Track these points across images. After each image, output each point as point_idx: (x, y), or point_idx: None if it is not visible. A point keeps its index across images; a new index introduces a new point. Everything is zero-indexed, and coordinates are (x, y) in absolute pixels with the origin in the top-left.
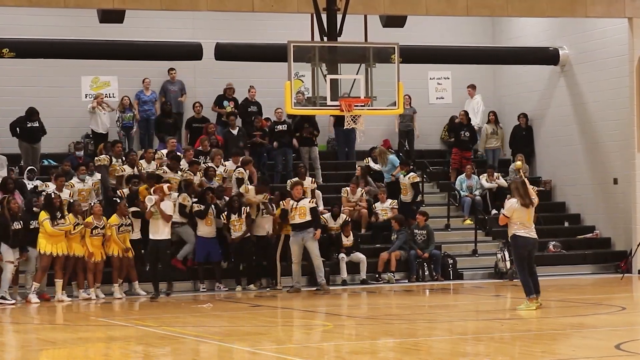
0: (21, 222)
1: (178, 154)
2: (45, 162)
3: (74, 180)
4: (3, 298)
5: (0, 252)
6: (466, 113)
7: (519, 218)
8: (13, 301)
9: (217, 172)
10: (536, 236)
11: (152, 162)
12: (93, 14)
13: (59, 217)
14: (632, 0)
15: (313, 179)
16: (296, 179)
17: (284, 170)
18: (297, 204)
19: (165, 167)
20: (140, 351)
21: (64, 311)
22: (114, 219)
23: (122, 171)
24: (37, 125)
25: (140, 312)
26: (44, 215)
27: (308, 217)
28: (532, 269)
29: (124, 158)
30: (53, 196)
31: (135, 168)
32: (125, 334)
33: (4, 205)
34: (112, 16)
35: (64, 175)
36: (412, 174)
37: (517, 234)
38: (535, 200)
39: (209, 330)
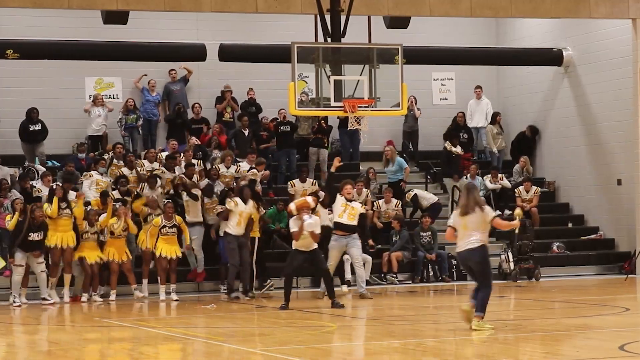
0: (42, 233)
1: (175, 154)
2: (49, 163)
3: (93, 171)
4: (14, 300)
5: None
6: (464, 115)
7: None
8: (19, 303)
9: (227, 173)
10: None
11: (155, 162)
12: (97, 15)
13: (64, 207)
14: (636, 1)
15: (314, 181)
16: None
17: (287, 171)
18: (348, 204)
19: (162, 168)
20: (143, 352)
21: (68, 312)
22: (158, 220)
23: (120, 174)
24: (39, 127)
25: (143, 313)
26: (45, 205)
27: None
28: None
29: (123, 159)
30: (55, 187)
31: (134, 170)
32: (129, 335)
33: (27, 213)
34: (116, 17)
35: (69, 177)
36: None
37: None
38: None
39: (212, 331)
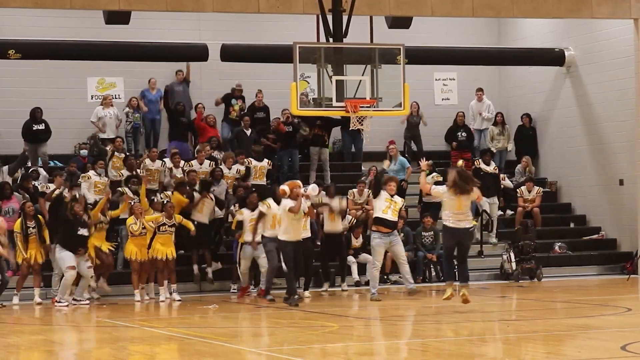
0: (87, 228)
1: (184, 182)
2: (51, 164)
3: (91, 172)
4: (59, 302)
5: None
6: (464, 114)
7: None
8: (66, 303)
9: (230, 174)
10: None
11: (157, 160)
12: (99, 15)
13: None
14: (637, 2)
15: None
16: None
17: (290, 171)
18: (392, 199)
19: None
20: (145, 352)
21: (70, 313)
22: (159, 217)
23: (120, 176)
24: (43, 127)
25: (145, 313)
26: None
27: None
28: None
29: (123, 156)
30: (77, 196)
31: (135, 170)
32: (131, 335)
33: (68, 209)
34: (118, 17)
35: (71, 177)
36: (434, 173)
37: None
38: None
39: (214, 331)
